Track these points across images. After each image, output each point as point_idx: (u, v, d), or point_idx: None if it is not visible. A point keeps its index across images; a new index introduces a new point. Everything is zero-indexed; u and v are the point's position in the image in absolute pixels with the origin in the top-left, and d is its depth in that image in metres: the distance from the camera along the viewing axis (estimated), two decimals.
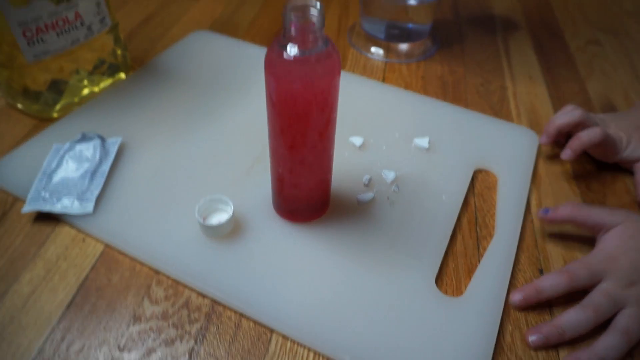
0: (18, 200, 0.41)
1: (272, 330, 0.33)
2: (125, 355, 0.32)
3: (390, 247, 0.38)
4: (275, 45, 0.29)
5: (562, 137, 0.48)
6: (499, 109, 0.54)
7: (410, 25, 0.62)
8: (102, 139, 0.44)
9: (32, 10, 0.42)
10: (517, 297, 0.35)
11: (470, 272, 0.37)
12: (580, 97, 0.57)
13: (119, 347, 0.32)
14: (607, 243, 0.36)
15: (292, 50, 0.29)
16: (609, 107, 0.55)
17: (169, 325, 0.33)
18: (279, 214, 0.40)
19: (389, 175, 0.43)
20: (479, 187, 0.44)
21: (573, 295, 0.35)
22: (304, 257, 0.37)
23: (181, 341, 0.33)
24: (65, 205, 0.39)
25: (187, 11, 0.69)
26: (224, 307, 0.35)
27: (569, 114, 0.45)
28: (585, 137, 0.43)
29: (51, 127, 0.47)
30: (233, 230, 0.38)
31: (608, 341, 0.32)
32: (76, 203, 0.39)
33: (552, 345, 0.33)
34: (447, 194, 0.42)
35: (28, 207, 0.39)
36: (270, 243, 0.37)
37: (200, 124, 0.48)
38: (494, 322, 0.34)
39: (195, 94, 0.52)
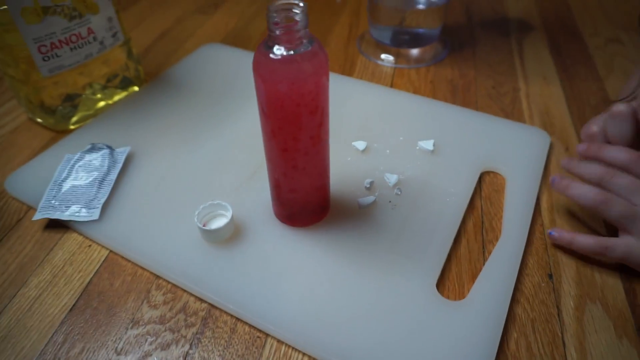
0: (32, 209, 0.43)
1: (267, 335, 0.33)
2: (122, 358, 0.32)
3: (390, 250, 0.37)
4: (262, 46, 0.29)
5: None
6: (510, 111, 0.53)
7: (419, 30, 0.61)
8: (111, 149, 0.45)
9: (46, 27, 0.45)
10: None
11: (474, 277, 0.36)
12: (598, 96, 0.55)
13: (116, 350, 0.33)
14: None
15: (277, 50, 0.29)
16: None
17: (165, 329, 0.34)
18: (278, 219, 0.39)
19: (392, 178, 0.42)
20: (487, 190, 0.43)
21: None
22: (302, 262, 0.36)
23: (177, 345, 0.33)
24: (73, 212, 0.40)
25: (201, 26, 0.71)
26: (221, 311, 0.35)
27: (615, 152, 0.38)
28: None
29: (65, 139, 0.49)
30: (233, 235, 0.38)
31: None
32: (83, 210, 0.40)
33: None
34: (452, 197, 0.41)
35: (38, 215, 0.40)
36: (269, 247, 0.37)
37: (206, 133, 0.49)
38: (497, 328, 0.32)
39: (204, 104, 0.53)
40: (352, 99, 0.53)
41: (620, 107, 0.38)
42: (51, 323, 0.34)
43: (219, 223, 0.38)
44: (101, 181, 0.42)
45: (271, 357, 0.32)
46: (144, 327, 0.34)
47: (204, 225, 0.38)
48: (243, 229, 0.39)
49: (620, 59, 0.61)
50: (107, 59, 0.52)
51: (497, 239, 0.38)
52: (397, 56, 0.62)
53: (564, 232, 0.37)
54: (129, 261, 0.38)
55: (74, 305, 0.35)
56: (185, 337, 0.33)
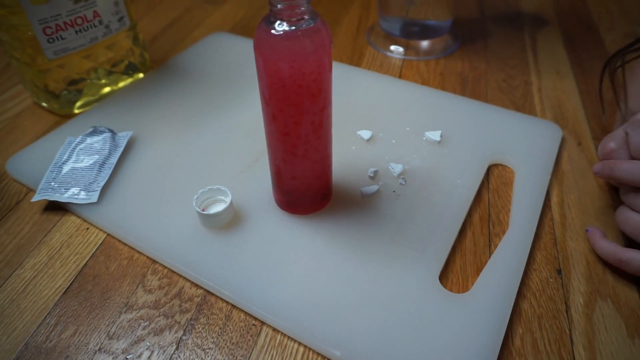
0: (31, 191, 0.42)
1: (262, 323, 0.32)
2: (114, 342, 0.31)
3: (392, 240, 0.36)
4: (263, 23, 0.29)
5: None
6: (521, 105, 0.51)
7: (429, 22, 0.60)
8: (113, 133, 0.45)
9: (51, 8, 0.44)
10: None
11: (478, 270, 0.35)
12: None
13: (109, 334, 0.32)
14: None
15: (279, 26, 0.28)
16: None
17: (159, 314, 0.33)
18: (279, 206, 0.39)
19: (396, 168, 0.41)
20: (495, 183, 0.42)
21: None
22: (301, 250, 0.35)
23: (170, 331, 0.32)
24: (72, 194, 0.39)
25: (210, 16, 0.71)
26: (216, 297, 0.34)
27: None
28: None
29: (68, 123, 0.48)
30: (232, 221, 0.37)
31: None
32: (82, 193, 0.40)
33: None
34: (458, 188, 0.40)
35: (37, 197, 0.40)
36: (268, 234, 0.36)
37: (209, 120, 0.48)
38: (501, 323, 0.31)
39: (209, 91, 0.52)
40: (358, 88, 0.52)
41: None
42: (45, 305, 0.34)
43: (217, 208, 0.37)
44: (101, 164, 0.42)
45: (266, 345, 0.31)
46: (137, 311, 0.33)
47: (203, 210, 0.37)
48: (242, 215, 0.38)
49: None
50: (113, 44, 0.51)
51: (503, 233, 0.37)
52: (406, 48, 0.61)
53: (597, 232, 0.36)
54: (126, 245, 0.38)
55: (68, 287, 0.35)
56: (179, 322, 0.32)
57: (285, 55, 0.28)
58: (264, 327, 0.32)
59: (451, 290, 0.33)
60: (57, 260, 0.37)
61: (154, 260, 0.36)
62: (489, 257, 0.35)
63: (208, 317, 0.33)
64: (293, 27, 0.28)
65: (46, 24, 0.45)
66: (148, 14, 0.72)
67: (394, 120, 0.47)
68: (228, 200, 0.37)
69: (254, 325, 0.32)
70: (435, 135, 0.44)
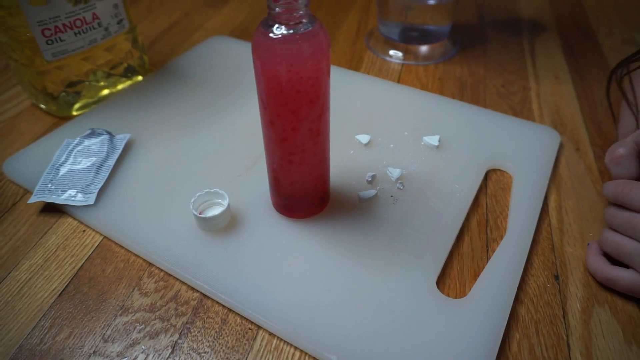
0: (28, 193, 0.42)
1: (258, 327, 0.32)
2: (109, 346, 0.31)
3: (389, 245, 0.36)
4: (261, 26, 0.29)
5: None
6: (519, 110, 0.51)
7: (428, 27, 0.60)
8: (111, 135, 0.44)
9: (50, 10, 0.44)
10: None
11: (476, 275, 0.35)
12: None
13: (104, 337, 0.32)
14: None
15: (277, 29, 0.28)
16: None
17: (155, 317, 0.33)
18: (276, 210, 0.38)
19: (394, 172, 0.41)
20: (492, 188, 0.42)
21: None
22: (298, 253, 0.35)
23: (165, 334, 0.32)
24: (69, 196, 0.39)
25: (209, 19, 0.71)
26: (213, 301, 0.34)
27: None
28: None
29: (66, 125, 0.48)
30: (229, 224, 0.37)
31: None
32: (79, 195, 0.39)
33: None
34: (456, 193, 0.40)
35: (34, 198, 0.39)
36: (265, 238, 0.36)
37: (208, 124, 0.48)
38: (498, 328, 0.31)
39: (207, 95, 0.52)
40: (357, 92, 0.52)
41: None
42: (40, 307, 0.34)
43: (215, 211, 0.37)
44: (99, 167, 0.42)
45: (262, 349, 0.31)
46: (133, 314, 0.33)
47: (200, 213, 0.37)
48: (240, 219, 0.38)
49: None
50: (112, 46, 0.51)
51: (501, 238, 0.37)
52: (405, 53, 0.61)
53: (593, 247, 0.35)
54: (122, 247, 0.37)
55: (63, 290, 0.35)
56: (174, 326, 0.32)
57: (284, 58, 0.28)
58: (260, 331, 0.32)
59: (448, 295, 0.33)
60: (53, 262, 0.37)
61: (150, 263, 0.36)
62: (487, 262, 0.35)
63: (204, 321, 0.32)
64: (291, 31, 0.28)
65: (45, 26, 0.45)
66: (148, 17, 0.72)
67: (392, 125, 0.47)
68: (225, 203, 0.37)
69: (250, 329, 0.32)
70: (433, 140, 0.44)
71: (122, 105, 0.51)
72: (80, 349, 0.31)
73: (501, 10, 0.72)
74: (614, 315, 0.32)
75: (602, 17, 0.70)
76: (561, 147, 0.46)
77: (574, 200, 0.41)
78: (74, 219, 0.40)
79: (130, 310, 0.33)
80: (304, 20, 0.28)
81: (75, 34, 0.47)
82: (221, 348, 0.31)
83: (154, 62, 0.60)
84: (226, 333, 0.32)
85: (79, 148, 0.43)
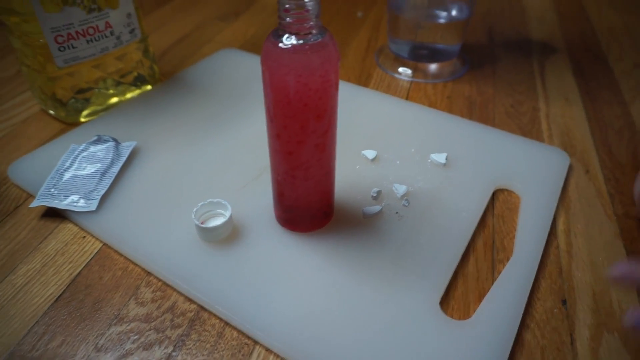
0: (31, 197, 0.42)
1: (255, 342, 0.31)
2: (102, 355, 0.30)
3: (392, 262, 0.35)
4: (271, 36, 0.29)
5: None
6: (528, 130, 0.51)
7: (438, 46, 0.60)
8: (117, 142, 0.44)
9: (64, 17, 0.45)
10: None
11: (481, 297, 0.34)
12: (622, 121, 0.52)
13: (96, 346, 0.31)
14: None
15: (286, 39, 0.28)
16: None
17: (150, 328, 0.32)
18: (279, 223, 0.38)
19: (400, 189, 0.40)
20: (500, 208, 0.41)
21: None
22: (299, 268, 0.35)
23: (160, 346, 0.31)
24: (71, 202, 0.39)
25: (220, 32, 0.71)
26: (210, 313, 0.33)
27: None
28: None
29: (73, 131, 0.48)
30: (231, 235, 0.37)
31: None
32: (82, 201, 0.39)
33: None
34: (462, 212, 0.39)
35: (36, 202, 0.39)
36: (266, 251, 0.36)
37: (214, 134, 0.48)
38: (503, 353, 0.29)
39: (215, 105, 0.52)
40: (365, 108, 0.52)
41: None
42: (34, 313, 0.33)
43: (216, 222, 0.37)
44: (103, 173, 0.41)
45: None
46: (128, 324, 0.32)
47: (202, 223, 0.36)
48: (242, 230, 0.37)
49: None
50: (123, 55, 0.52)
51: (507, 259, 0.36)
52: (414, 70, 0.61)
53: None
54: (122, 255, 0.37)
55: (59, 296, 0.34)
56: (169, 338, 0.31)
57: (292, 68, 0.28)
58: (257, 347, 0.31)
59: (452, 317, 0.32)
60: (51, 267, 0.36)
61: (148, 272, 0.36)
62: (492, 284, 0.34)
63: (200, 334, 0.32)
64: (301, 41, 0.28)
65: (58, 33, 0.45)
66: (160, 28, 0.73)
67: (399, 141, 0.46)
68: (227, 214, 0.37)
69: (246, 344, 0.31)
70: (440, 157, 0.44)
71: (130, 113, 0.51)
72: (72, 357, 0.30)
73: (511, 32, 0.72)
74: (624, 343, 0.31)
75: (613, 40, 0.70)
76: (570, 169, 0.45)
77: (583, 224, 0.40)
78: (75, 224, 0.39)
79: (125, 320, 0.32)
80: (314, 31, 0.28)
81: (87, 41, 0.47)
82: None
83: (164, 72, 0.61)
84: (222, 347, 0.31)
85: (85, 154, 0.43)
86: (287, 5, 0.27)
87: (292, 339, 0.30)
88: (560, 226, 0.40)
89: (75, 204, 0.39)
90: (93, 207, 0.39)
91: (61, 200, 0.39)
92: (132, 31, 0.51)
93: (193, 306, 0.33)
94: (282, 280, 0.34)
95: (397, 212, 0.39)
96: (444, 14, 0.59)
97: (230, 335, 0.32)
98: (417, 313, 0.31)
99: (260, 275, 0.34)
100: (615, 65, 0.63)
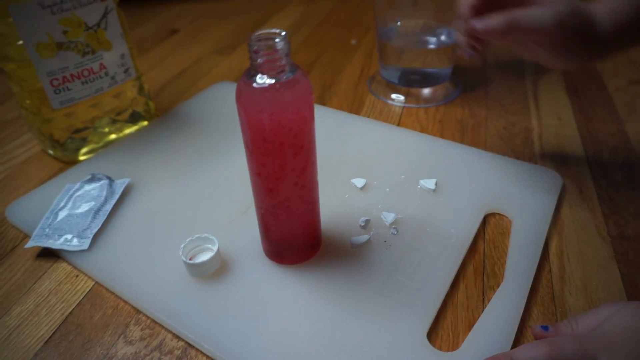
0: (28, 237, 0.43)
1: None
2: None
3: (380, 292, 0.34)
4: (244, 76, 0.29)
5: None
6: (521, 152, 0.50)
7: (429, 70, 0.61)
8: (110, 180, 0.45)
9: (59, 61, 0.47)
10: None
11: (470, 326, 0.33)
12: (617, 138, 0.52)
13: None
14: (607, 325, 0.29)
15: (259, 79, 0.28)
16: None
17: None
18: (267, 256, 0.38)
19: (388, 217, 0.40)
20: (491, 232, 0.40)
21: None
22: (286, 301, 0.34)
23: None
24: (65, 241, 0.40)
25: (217, 65, 0.73)
26: (197, 350, 0.33)
27: None
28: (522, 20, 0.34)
29: (70, 170, 0.49)
30: (219, 270, 0.37)
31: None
32: (75, 240, 0.40)
33: None
34: (452, 238, 0.39)
35: (31, 243, 0.40)
36: (254, 285, 0.36)
37: (205, 168, 0.49)
38: None
39: (206, 138, 0.53)
40: (355, 136, 0.52)
41: None
42: (24, 355, 0.33)
43: (204, 257, 0.37)
44: (97, 211, 0.42)
45: None
46: None
47: (190, 259, 0.37)
48: (230, 265, 0.37)
49: None
50: (118, 94, 0.53)
51: (498, 285, 0.35)
52: (407, 96, 0.61)
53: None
54: (112, 293, 0.37)
55: (50, 337, 0.34)
56: None
57: (265, 106, 0.28)
58: None
59: (440, 348, 0.32)
60: (44, 308, 0.37)
61: (138, 310, 0.36)
62: (482, 312, 0.34)
63: None
64: (272, 80, 0.28)
65: (53, 76, 0.47)
66: (160, 63, 0.75)
67: (389, 168, 0.47)
68: (215, 248, 0.37)
69: None
70: (429, 183, 0.44)
71: (125, 150, 0.52)
72: None
73: (504, 53, 0.72)
74: None
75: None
76: (564, 189, 0.45)
77: (577, 246, 0.39)
78: (68, 263, 0.40)
79: None
80: (286, 69, 0.29)
81: (82, 83, 0.49)
82: None
83: (162, 107, 0.62)
84: None
85: (79, 193, 0.44)
86: (255, 47, 0.27)
87: None
88: (553, 249, 0.39)
89: (68, 243, 0.39)
90: (85, 246, 0.39)
91: (55, 240, 0.40)
92: (126, 70, 0.53)
93: (181, 343, 0.33)
94: (270, 314, 0.34)
95: (385, 241, 0.39)
96: (433, 39, 0.60)
97: None
98: (404, 345, 0.31)
99: (247, 309, 0.34)
100: (609, 82, 0.63)
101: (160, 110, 0.61)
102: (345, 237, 0.39)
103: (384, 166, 0.47)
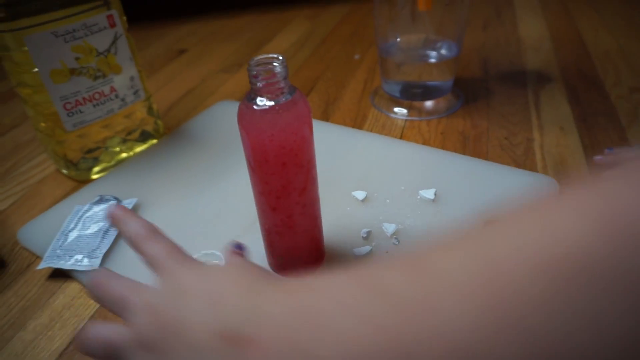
0: (39, 258, 0.44)
1: None
2: None
3: None
4: (245, 99, 0.31)
5: None
6: (522, 162, 0.51)
7: (431, 83, 0.62)
8: (118, 200, 0.47)
9: (71, 86, 0.49)
10: None
11: None
12: (619, 146, 0.52)
13: None
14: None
15: (260, 101, 0.30)
16: None
17: None
18: (272, 269, 0.39)
19: (389, 228, 0.41)
20: None
21: None
22: None
23: None
24: (76, 262, 0.41)
25: (223, 84, 0.75)
26: None
27: None
28: None
29: (80, 191, 0.51)
30: None
31: None
32: (85, 260, 0.41)
33: None
34: None
35: (43, 264, 0.41)
36: None
37: (211, 185, 0.50)
38: None
39: (212, 155, 0.55)
40: (356, 149, 0.53)
41: None
42: None
43: None
44: (105, 232, 0.44)
45: None
46: None
47: None
48: None
49: None
50: (129, 114, 0.55)
51: None
52: (410, 109, 0.63)
53: None
54: None
55: (64, 350, 0.36)
56: None
57: (266, 128, 0.30)
58: None
59: None
60: (58, 322, 0.38)
61: None
62: None
63: None
64: (272, 102, 0.30)
65: (66, 100, 0.49)
66: (168, 83, 0.77)
67: (389, 180, 0.47)
68: (221, 264, 0.38)
69: None
70: (429, 193, 0.44)
71: (133, 169, 0.54)
72: None
73: (506, 63, 0.73)
74: None
75: (609, 65, 0.70)
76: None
77: None
78: (79, 283, 0.41)
79: None
80: (285, 91, 0.30)
81: (94, 105, 0.51)
82: None
83: (170, 125, 0.64)
84: None
85: (88, 214, 0.45)
86: (254, 72, 0.29)
87: None
88: None
89: (79, 263, 0.41)
90: (96, 265, 0.41)
91: (66, 261, 0.41)
92: (135, 92, 0.55)
93: None
94: None
95: (387, 252, 0.40)
96: (433, 53, 0.61)
97: None
98: None
99: None
100: (611, 91, 0.63)
101: (169, 129, 0.63)
102: (348, 248, 0.40)
103: (384, 178, 0.48)
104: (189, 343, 0.20)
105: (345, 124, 0.61)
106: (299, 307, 0.19)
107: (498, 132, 0.57)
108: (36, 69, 0.46)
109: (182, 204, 0.47)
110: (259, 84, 0.29)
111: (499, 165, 0.49)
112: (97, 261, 0.41)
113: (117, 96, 0.53)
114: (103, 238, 0.43)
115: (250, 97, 0.30)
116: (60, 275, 0.42)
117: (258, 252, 0.40)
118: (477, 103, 0.63)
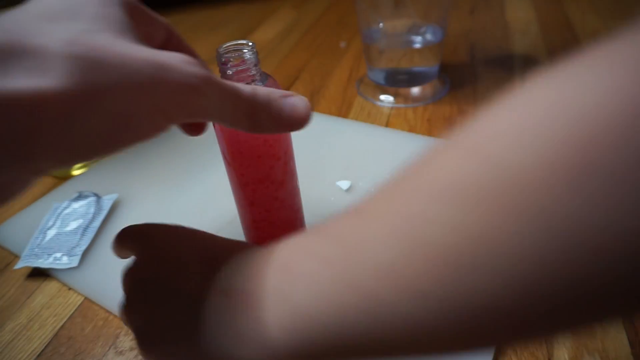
0: (17, 257, 0.43)
1: None
2: None
3: None
4: None
5: None
6: None
7: (416, 69, 0.61)
8: (98, 197, 0.46)
9: None
10: None
11: None
12: None
13: None
14: None
15: None
16: None
17: None
18: None
19: None
20: None
21: None
22: None
23: None
24: (55, 260, 0.40)
25: None
26: None
27: None
28: None
29: (60, 188, 0.50)
30: None
31: None
32: (64, 258, 0.41)
33: None
34: None
35: (20, 264, 0.41)
36: None
37: (192, 180, 0.49)
38: None
39: (193, 150, 0.54)
40: (340, 139, 0.52)
41: None
42: None
43: None
44: (85, 228, 0.43)
45: None
46: None
47: None
48: None
49: None
50: None
51: None
52: (396, 96, 0.62)
53: None
54: (102, 306, 0.38)
55: (42, 351, 0.35)
56: None
57: None
58: None
59: None
60: (36, 322, 0.37)
61: None
62: None
63: None
64: None
65: None
66: None
67: (374, 169, 0.47)
68: None
69: None
70: None
71: (114, 165, 0.53)
72: None
73: (494, 48, 0.72)
74: None
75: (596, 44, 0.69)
76: None
77: None
78: (58, 281, 0.40)
79: None
80: (256, 79, 0.29)
81: None
82: None
83: None
84: None
85: (67, 211, 0.44)
86: (224, 59, 0.28)
87: None
88: None
89: (58, 261, 0.40)
90: (75, 263, 0.40)
91: (45, 259, 0.40)
92: None
93: None
94: None
95: None
96: (418, 38, 0.60)
97: None
98: None
99: None
100: None
101: None
102: None
103: (369, 167, 0.47)
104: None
105: (330, 113, 0.60)
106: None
107: None
108: None
109: (163, 199, 0.47)
110: (229, 72, 0.28)
111: None
112: (77, 259, 0.40)
113: None
114: (83, 235, 0.42)
115: None
116: (39, 274, 0.41)
117: None
118: (463, 88, 0.62)
